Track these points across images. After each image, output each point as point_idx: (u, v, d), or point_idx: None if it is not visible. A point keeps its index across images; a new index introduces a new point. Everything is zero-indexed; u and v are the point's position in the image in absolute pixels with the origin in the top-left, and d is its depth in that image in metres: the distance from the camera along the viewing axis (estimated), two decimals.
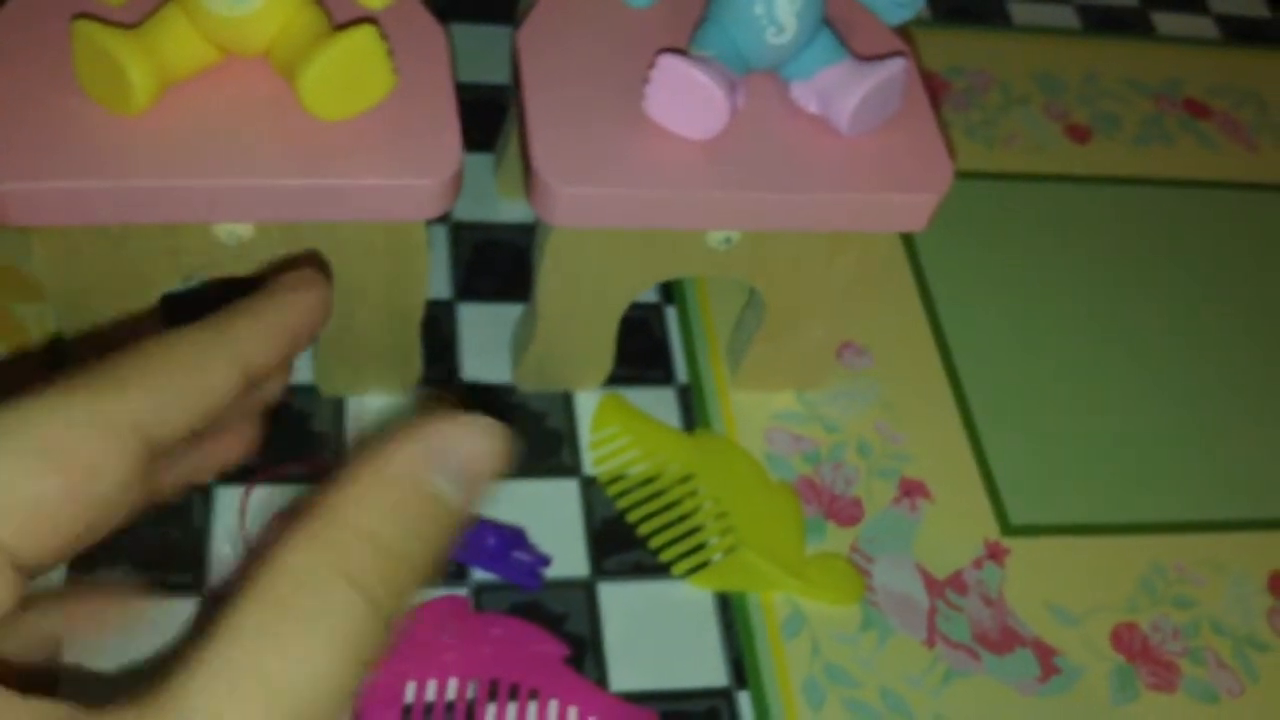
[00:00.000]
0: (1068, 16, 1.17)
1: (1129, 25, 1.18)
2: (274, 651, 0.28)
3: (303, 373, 0.81)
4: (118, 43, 0.61)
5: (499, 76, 0.99)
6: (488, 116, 0.95)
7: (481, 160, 0.95)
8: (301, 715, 0.28)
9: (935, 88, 1.07)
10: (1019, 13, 1.16)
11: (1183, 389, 0.93)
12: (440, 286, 0.88)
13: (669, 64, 0.67)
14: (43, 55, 0.64)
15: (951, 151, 0.72)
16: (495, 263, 0.90)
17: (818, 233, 0.72)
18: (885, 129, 0.71)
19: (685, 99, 0.67)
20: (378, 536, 0.30)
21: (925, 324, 0.92)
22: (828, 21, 0.71)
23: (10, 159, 0.61)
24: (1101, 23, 1.17)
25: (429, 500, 0.31)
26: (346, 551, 0.29)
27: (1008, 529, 0.83)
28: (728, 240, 0.72)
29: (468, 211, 0.92)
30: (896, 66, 0.69)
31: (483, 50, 1.01)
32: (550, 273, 0.73)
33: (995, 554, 0.81)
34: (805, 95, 0.70)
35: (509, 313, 0.87)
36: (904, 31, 1.03)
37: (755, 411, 0.85)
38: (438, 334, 0.85)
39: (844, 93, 0.68)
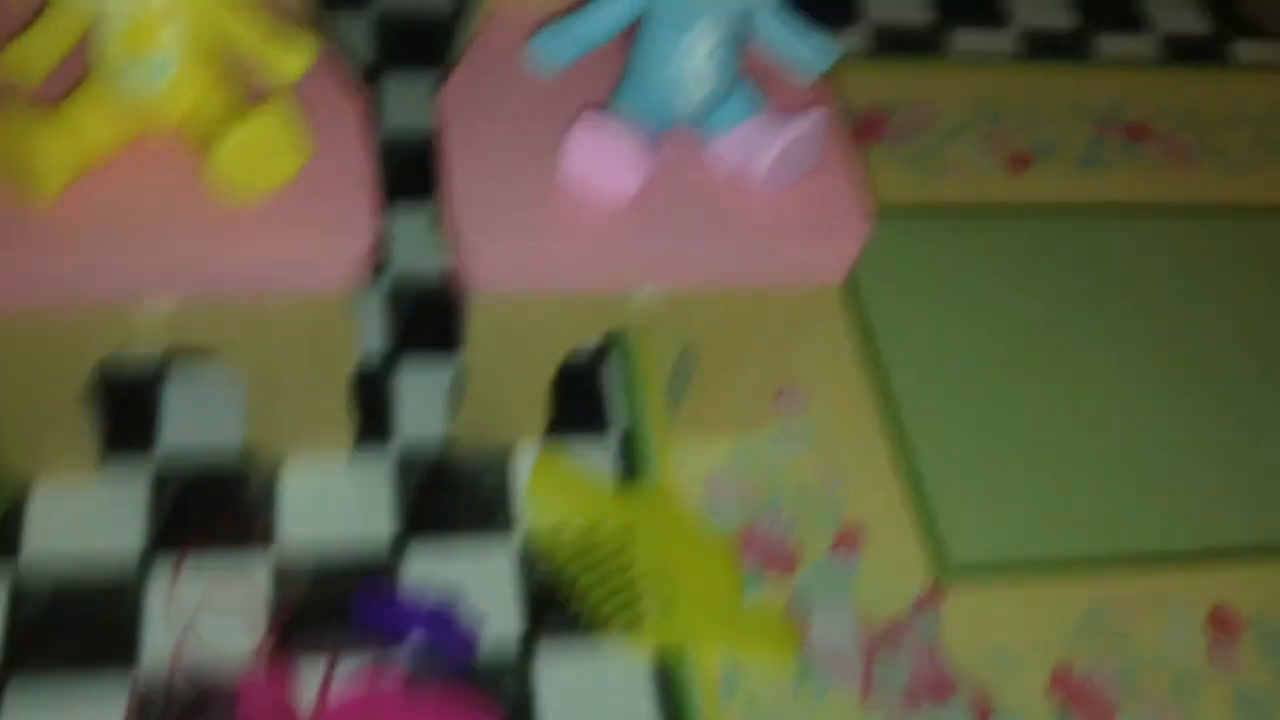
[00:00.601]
0: (1007, 43, 1.17)
1: (1070, 49, 1.18)
2: None
3: (234, 436, 0.80)
4: (33, 127, 0.60)
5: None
6: (429, 163, 0.95)
7: (424, 207, 0.95)
8: None
9: (874, 122, 1.07)
10: (958, 41, 1.16)
11: (1122, 421, 0.93)
12: (377, 340, 0.87)
13: (587, 125, 0.67)
14: None
15: (871, 202, 0.72)
16: (435, 314, 0.90)
17: (743, 286, 0.72)
18: (805, 181, 0.71)
19: (604, 159, 0.67)
20: None
21: (863, 363, 0.92)
22: (745, 75, 0.71)
23: None
24: (1042, 48, 1.18)
25: None
26: None
27: (947, 569, 0.83)
28: (653, 296, 0.72)
29: (409, 261, 0.92)
30: (813, 120, 0.69)
31: (424, 96, 1.01)
32: (477, 335, 0.73)
33: (934, 597, 0.81)
34: (725, 149, 0.70)
35: (448, 364, 0.86)
36: (833, 73, 1.03)
37: (694, 459, 0.85)
38: (374, 389, 0.85)
39: (761, 147, 0.68)
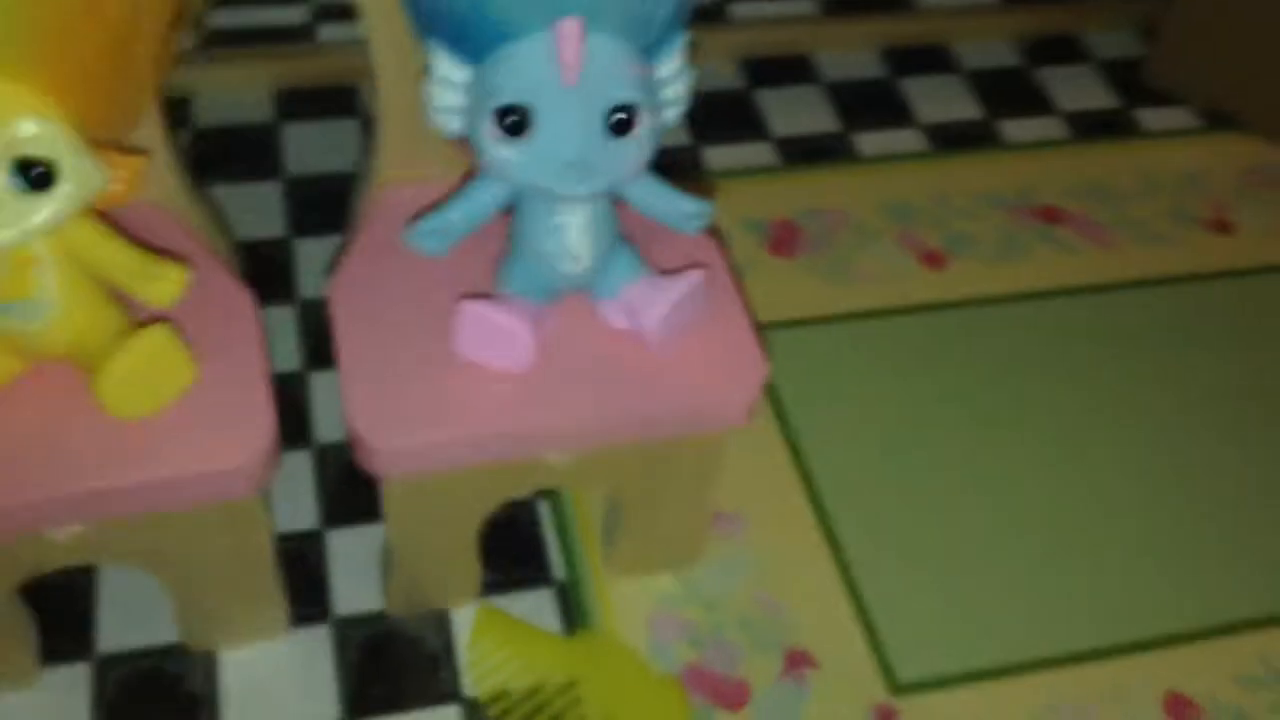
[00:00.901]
0: (915, 140, 1.19)
1: (977, 139, 1.20)
2: None
3: (168, 633, 0.81)
4: None
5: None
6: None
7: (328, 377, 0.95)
8: None
9: (787, 233, 1.09)
10: (864, 145, 1.18)
11: (1059, 513, 0.93)
12: (306, 514, 0.88)
13: (470, 309, 0.68)
14: None
15: (764, 346, 0.73)
16: (359, 483, 0.90)
17: (651, 438, 0.73)
18: (697, 334, 0.72)
19: (492, 339, 0.68)
20: None
21: (796, 479, 0.93)
22: (627, 238, 0.72)
23: None
24: (949, 141, 1.20)
25: None
26: None
27: (897, 688, 0.83)
28: (564, 457, 0.73)
29: (332, 430, 0.93)
30: (696, 278, 0.70)
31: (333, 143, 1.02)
32: (394, 515, 0.74)
33: (887, 716, 0.81)
34: (613, 312, 0.72)
35: (380, 532, 0.87)
36: (739, 186, 1.05)
37: (636, 600, 0.85)
38: (305, 566, 0.85)
39: (648, 308, 0.70)
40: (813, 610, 0.86)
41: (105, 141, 0.62)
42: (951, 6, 1.26)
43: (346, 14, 1.14)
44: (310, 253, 1.03)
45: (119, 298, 0.65)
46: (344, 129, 1.13)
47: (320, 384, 0.94)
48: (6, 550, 0.67)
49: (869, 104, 1.21)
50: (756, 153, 1.14)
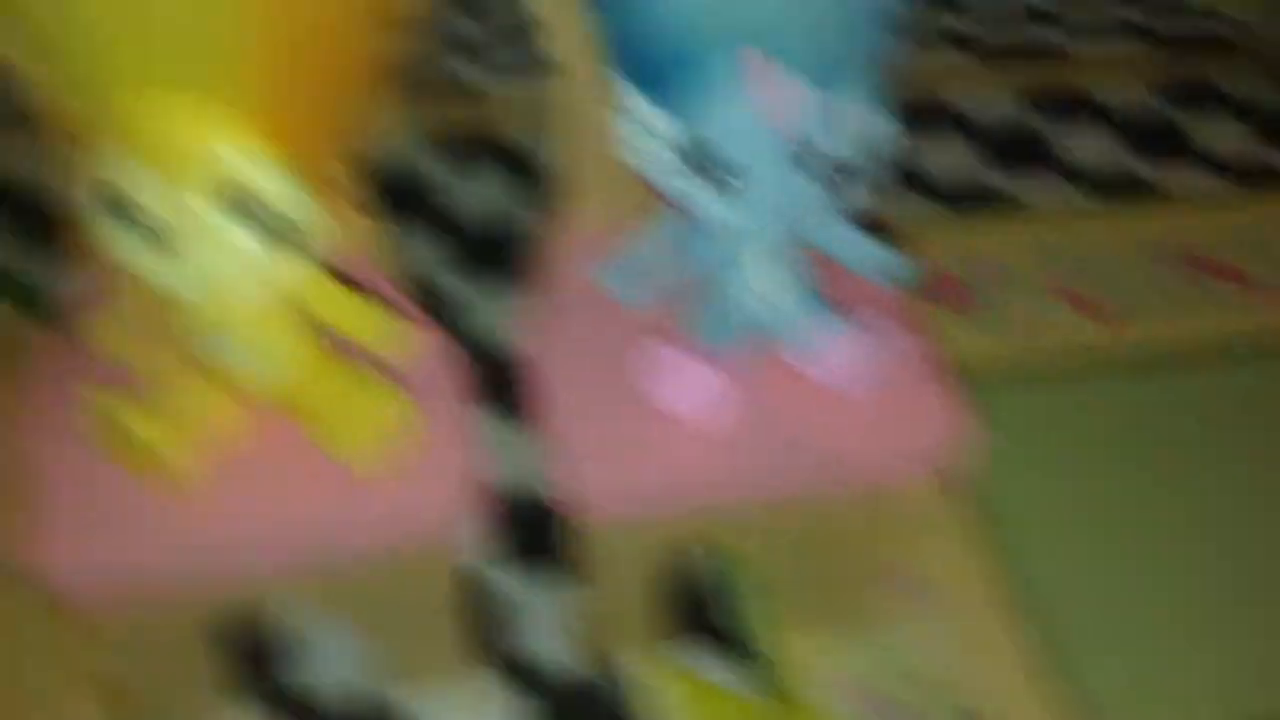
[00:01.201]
0: (1074, 193, 1.17)
1: (1135, 190, 1.18)
2: None
3: (367, 678, 0.81)
4: (149, 412, 0.64)
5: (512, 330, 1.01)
6: (504, 372, 0.97)
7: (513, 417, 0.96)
8: None
9: (950, 287, 1.08)
10: (1021, 192, 1.16)
11: (1268, 578, 0.89)
12: (490, 558, 0.88)
13: (661, 353, 0.69)
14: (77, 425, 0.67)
15: (958, 398, 0.73)
16: (534, 524, 0.90)
17: (843, 490, 0.72)
18: (888, 386, 0.72)
19: (687, 386, 0.69)
20: None
21: (983, 544, 0.90)
22: (818, 286, 0.72)
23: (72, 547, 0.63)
24: (1109, 192, 1.17)
25: None
26: None
27: None
28: (752, 508, 0.73)
29: (496, 471, 0.93)
30: (889, 327, 0.70)
31: (497, 304, 1.03)
32: (589, 557, 0.74)
33: None
34: (802, 360, 0.71)
35: (566, 580, 0.87)
36: (907, 242, 1.05)
37: (823, 666, 0.83)
38: (489, 607, 0.85)
39: (839, 357, 0.70)
40: (1003, 681, 0.83)
41: (329, 192, 0.64)
42: (1101, 54, 1.24)
43: (519, 69, 1.17)
44: (481, 295, 1.04)
45: (339, 343, 0.67)
46: (512, 176, 1.15)
47: (493, 425, 0.95)
48: (216, 597, 0.68)
49: (1021, 152, 1.19)
50: (916, 204, 1.13)
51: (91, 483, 0.66)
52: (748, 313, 0.69)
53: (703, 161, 0.64)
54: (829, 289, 0.73)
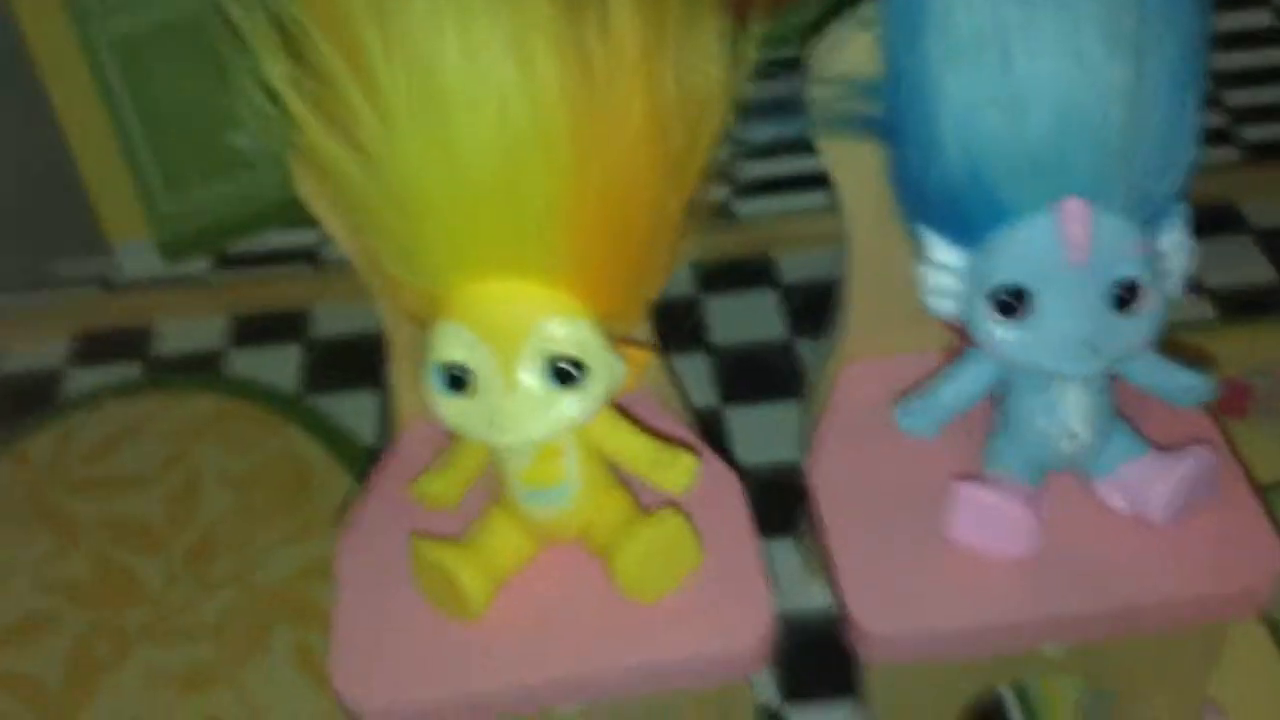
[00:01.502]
0: None
1: None
2: None
3: None
4: (452, 557, 0.66)
5: (787, 454, 1.00)
6: (782, 497, 0.97)
7: (782, 544, 0.96)
8: None
9: (1237, 394, 1.03)
10: None
11: None
12: (765, 687, 0.88)
13: (965, 491, 0.67)
14: (388, 572, 0.70)
15: (1273, 524, 0.69)
16: (820, 654, 0.89)
17: (1152, 630, 0.69)
18: (1201, 516, 0.68)
19: (990, 524, 0.67)
20: None
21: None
22: (1120, 412, 0.70)
23: (374, 679, 0.66)
24: None
25: None
26: None
27: None
28: (1056, 648, 0.70)
29: (780, 600, 0.93)
30: (1204, 455, 0.67)
31: (770, 428, 1.04)
32: (876, 703, 0.73)
33: None
34: (1110, 493, 0.69)
35: (840, 711, 0.86)
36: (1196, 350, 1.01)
37: None
38: None
39: (1152, 489, 0.67)
40: None
41: (626, 338, 0.66)
42: None
43: (760, 189, 1.18)
44: (741, 420, 1.05)
45: (631, 481, 0.68)
46: (762, 300, 1.16)
47: (775, 552, 0.95)
48: None
49: None
50: (1198, 307, 1.09)
51: (399, 617, 0.69)
52: (1051, 447, 0.67)
53: (1002, 296, 0.63)
54: (1135, 417, 0.70)
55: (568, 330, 0.62)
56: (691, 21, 0.61)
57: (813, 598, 0.93)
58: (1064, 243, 0.61)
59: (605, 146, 0.59)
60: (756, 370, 1.09)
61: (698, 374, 1.10)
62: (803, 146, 1.15)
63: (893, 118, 0.64)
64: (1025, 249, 0.62)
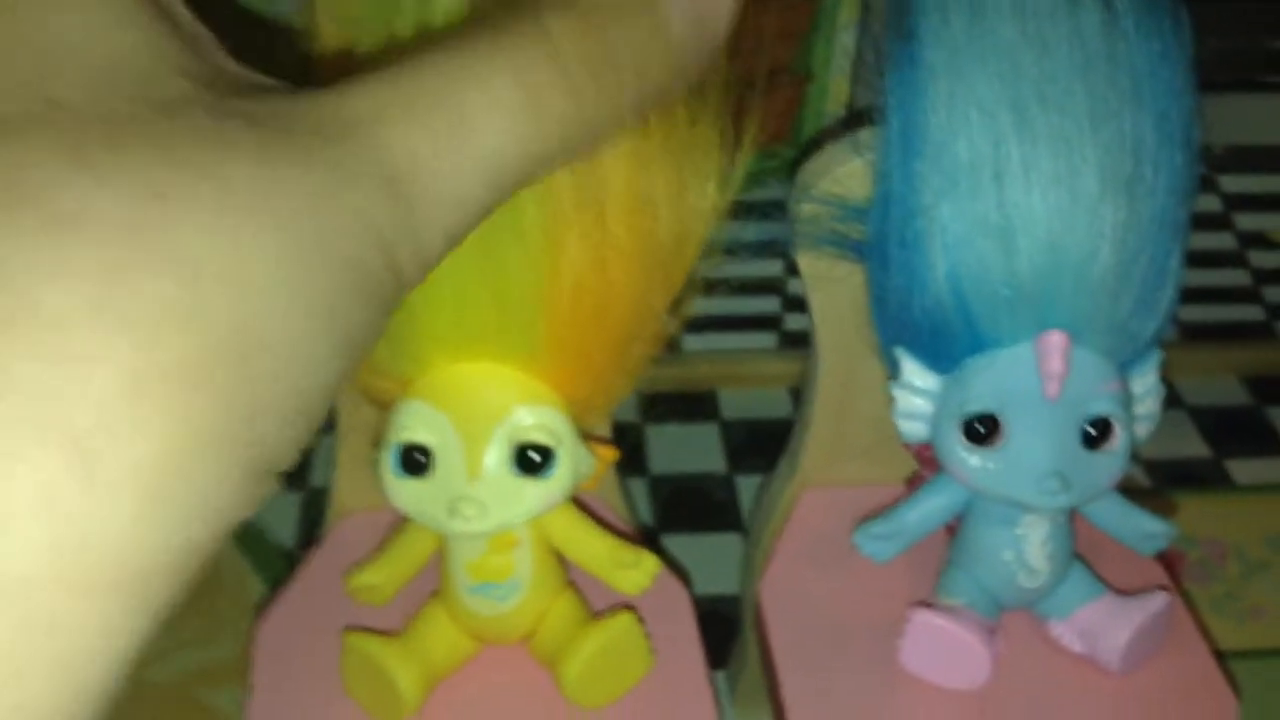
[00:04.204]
0: None
1: None
2: (477, 90, 0.24)
3: None
4: (387, 652, 0.63)
5: (724, 587, 0.99)
6: (716, 629, 0.95)
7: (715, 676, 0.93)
8: (503, 174, 0.23)
9: (1170, 560, 1.03)
10: (1239, 472, 1.13)
11: None
12: None
13: (924, 620, 0.66)
14: (310, 667, 0.67)
15: (1232, 678, 0.68)
16: None
17: None
18: (1155, 662, 0.68)
19: (945, 653, 0.65)
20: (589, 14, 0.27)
21: None
22: (1077, 553, 0.69)
23: None
24: None
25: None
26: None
27: None
28: None
29: None
30: (1160, 601, 0.67)
31: (706, 560, 1.02)
32: None
33: None
34: (1066, 634, 0.68)
35: None
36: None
37: None
38: None
39: (1111, 631, 0.66)
40: None
41: (583, 430, 0.64)
42: None
43: (706, 325, 1.19)
44: (677, 549, 1.03)
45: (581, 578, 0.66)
46: (704, 432, 1.15)
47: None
48: None
49: (1238, 431, 1.17)
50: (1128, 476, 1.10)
51: (319, 717, 0.65)
52: (1010, 581, 0.67)
53: (974, 425, 0.63)
54: (1088, 558, 0.70)
55: (540, 418, 0.61)
56: (689, 126, 0.61)
57: None
58: (1042, 374, 0.62)
59: (586, 231, 0.59)
60: (695, 500, 1.08)
61: (636, 500, 1.08)
62: (753, 287, 1.17)
63: (880, 243, 0.64)
64: (1001, 378, 0.63)
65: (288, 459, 0.23)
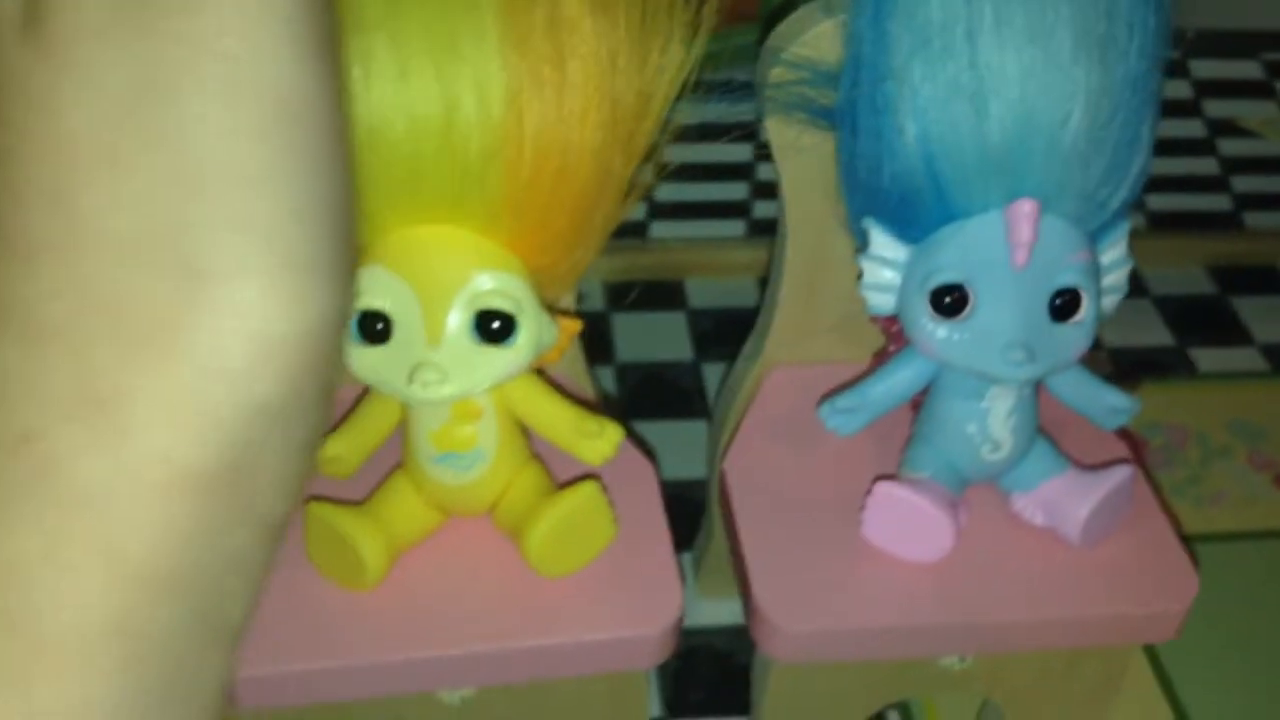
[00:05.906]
0: (1253, 359, 1.14)
1: None
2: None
3: None
4: (350, 523, 0.62)
5: (691, 471, 0.98)
6: (683, 512, 0.95)
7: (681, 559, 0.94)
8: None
9: (1134, 446, 1.04)
10: (1203, 360, 1.14)
11: None
12: (653, 705, 0.85)
13: (887, 491, 0.65)
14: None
15: (1193, 556, 0.69)
16: (701, 672, 0.87)
17: (1059, 648, 0.68)
18: (1117, 537, 0.68)
19: (908, 525, 0.65)
20: None
21: (1162, 706, 0.86)
22: (1042, 428, 0.69)
23: (248, 646, 0.61)
24: None
25: None
26: None
27: None
28: (961, 660, 0.68)
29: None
30: (1123, 474, 0.67)
31: (673, 446, 1.02)
32: (773, 708, 0.70)
33: None
34: (1029, 508, 0.68)
35: None
36: None
37: None
38: None
39: (1072, 505, 0.66)
40: None
41: (547, 301, 0.63)
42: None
43: (674, 212, 1.17)
44: (649, 435, 1.03)
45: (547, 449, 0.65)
46: (671, 320, 1.15)
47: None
48: (397, 709, 0.66)
49: (1202, 320, 1.17)
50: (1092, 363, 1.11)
51: (282, 584, 0.64)
52: (974, 455, 0.67)
53: (941, 296, 0.62)
54: (1053, 434, 0.70)
55: (500, 283, 0.59)
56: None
57: (703, 615, 0.90)
58: (1011, 244, 0.61)
59: (546, 79, 0.57)
60: (662, 387, 1.07)
61: (604, 388, 1.08)
62: (722, 173, 1.15)
63: (850, 108, 0.63)
64: (970, 247, 0.62)
65: None
